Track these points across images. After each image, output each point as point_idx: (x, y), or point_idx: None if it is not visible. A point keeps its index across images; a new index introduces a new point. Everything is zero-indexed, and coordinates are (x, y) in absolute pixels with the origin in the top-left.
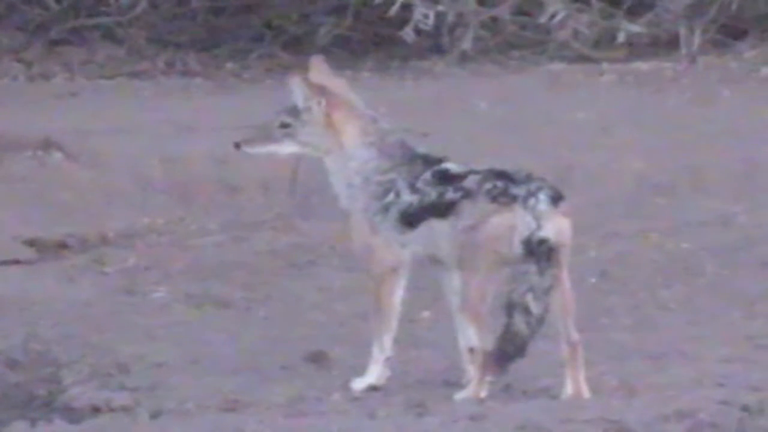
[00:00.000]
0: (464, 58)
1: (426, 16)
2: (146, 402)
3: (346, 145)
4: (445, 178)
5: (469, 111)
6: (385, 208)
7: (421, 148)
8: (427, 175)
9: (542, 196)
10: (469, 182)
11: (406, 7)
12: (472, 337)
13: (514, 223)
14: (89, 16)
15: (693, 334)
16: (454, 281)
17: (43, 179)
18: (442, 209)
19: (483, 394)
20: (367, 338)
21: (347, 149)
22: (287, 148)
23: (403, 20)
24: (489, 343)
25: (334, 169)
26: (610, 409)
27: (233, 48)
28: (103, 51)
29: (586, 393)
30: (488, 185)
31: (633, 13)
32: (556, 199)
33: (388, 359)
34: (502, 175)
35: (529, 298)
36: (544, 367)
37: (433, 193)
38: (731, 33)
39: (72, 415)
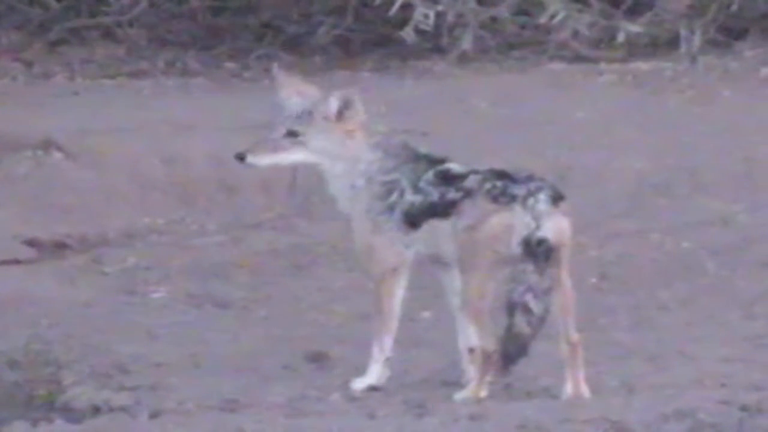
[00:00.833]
0: (464, 58)
1: (426, 16)
2: (146, 402)
3: (353, 150)
4: (447, 178)
5: (469, 111)
6: (390, 208)
7: (423, 149)
8: (430, 175)
9: (542, 196)
10: (470, 182)
11: (406, 7)
12: (473, 336)
13: (512, 223)
14: (89, 16)
15: (693, 334)
16: (455, 281)
17: (43, 179)
18: (443, 209)
19: (483, 393)
20: (367, 338)
21: (354, 153)
22: (295, 157)
23: (403, 20)
24: (490, 342)
25: (338, 173)
26: (610, 409)
27: (233, 48)
28: (103, 51)
29: (586, 393)
30: (488, 185)
31: (633, 13)
32: (556, 198)
33: (388, 359)
34: (502, 175)
35: (529, 298)
36: (544, 367)
37: (435, 193)
38: (731, 33)
39: (72, 415)
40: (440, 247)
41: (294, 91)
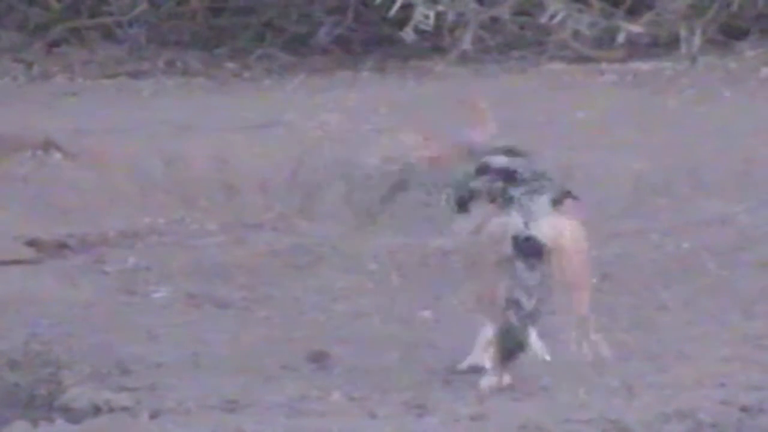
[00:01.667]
0: (464, 58)
1: (426, 16)
2: (146, 402)
3: None
4: (479, 172)
5: (469, 111)
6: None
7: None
8: (472, 167)
9: (539, 197)
10: (478, 182)
11: (406, 7)
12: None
13: (508, 223)
14: (89, 16)
15: (693, 334)
16: None
17: (43, 179)
18: (461, 206)
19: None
20: (368, 338)
21: None
22: None
23: (403, 20)
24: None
25: None
26: (610, 409)
27: (233, 48)
28: (103, 51)
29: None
30: (493, 186)
31: (633, 13)
32: (557, 200)
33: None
34: (508, 174)
35: (520, 294)
36: (544, 367)
37: (464, 187)
38: (731, 33)
39: (72, 415)
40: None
41: None
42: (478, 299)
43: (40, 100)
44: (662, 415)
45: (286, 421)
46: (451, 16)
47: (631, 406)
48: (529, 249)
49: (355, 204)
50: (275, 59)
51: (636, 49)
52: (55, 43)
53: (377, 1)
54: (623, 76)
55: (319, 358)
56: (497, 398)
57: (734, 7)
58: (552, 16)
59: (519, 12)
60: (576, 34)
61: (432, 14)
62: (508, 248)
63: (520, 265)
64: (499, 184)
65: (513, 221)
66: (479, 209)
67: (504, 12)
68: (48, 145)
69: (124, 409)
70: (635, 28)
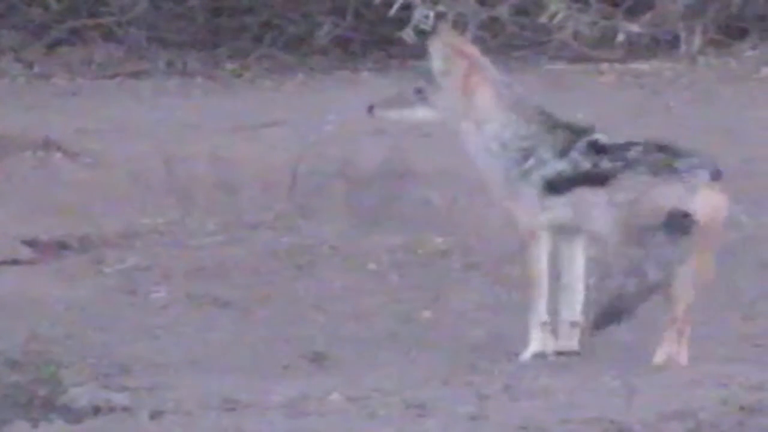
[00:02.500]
0: None
1: (426, 17)
2: (146, 402)
3: (480, 110)
4: (600, 149)
5: None
6: (526, 174)
7: (562, 116)
8: (582, 144)
9: (702, 171)
10: (631, 154)
11: (406, 8)
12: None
13: (671, 196)
14: (89, 16)
15: (693, 334)
16: (574, 251)
17: (43, 179)
18: (597, 179)
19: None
20: (368, 338)
21: (482, 114)
22: (420, 113)
23: (403, 20)
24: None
25: (470, 135)
26: (610, 409)
27: (233, 48)
28: (103, 51)
29: (683, 361)
30: (649, 157)
31: (633, 13)
32: (716, 175)
33: (544, 324)
34: (663, 148)
35: (649, 265)
36: (545, 367)
37: (586, 162)
38: (731, 33)
39: (72, 415)
40: (584, 216)
41: (448, 44)
42: None
43: (40, 100)
44: (662, 415)
45: (286, 421)
46: (451, 16)
47: (631, 406)
48: (682, 225)
49: (355, 204)
50: (275, 59)
51: (636, 49)
52: (55, 43)
53: (377, 1)
54: (623, 76)
55: (319, 358)
56: (497, 398)
57: (734, 8)
58: (552, 16)
59: (519, 12)
60: (576, 34)
61: (432, 14)
62: (659, 218)
63: (663, 238)
64: (660, 157)
65: (675, 193)
66: (634, 181)
67: (504, 12)
68: (48, 145)
69: (124, 409)
70: (635, 28)
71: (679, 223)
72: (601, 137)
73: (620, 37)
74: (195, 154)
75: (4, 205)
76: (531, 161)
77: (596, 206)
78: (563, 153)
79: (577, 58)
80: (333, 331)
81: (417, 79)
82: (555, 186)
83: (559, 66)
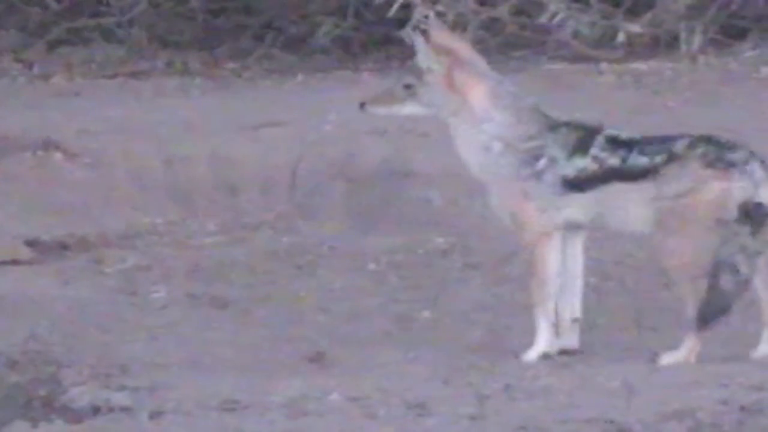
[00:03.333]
0: None
1: (426, 17)
2: (146, 402)
3: (475, 107)
4: (622, 144)
5: None
6: (539, 174)
7: (560, 114)
8: (600, 140)
9: (756, 163)
10: (677, 147)
11: (406, 7)
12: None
13: (731, 189)
14: (89, 16)
15: None
16: (577, 249)
17: (43, 179)
18: (632, 174)
19: (693, 359)
20: (368, 338)
21: (477, 111)
22: (409, 109)
23: (403, 20)
24: (691, 307)
25: (462, 132)
26: (610, 409)
27: (233, 48)
28: (103, 51)
29: None
30: (699, 150)
31: (633, 13)
32: (766, 166)
33: (553, 325)
34: (710, 140)
35: (739, 259)
36: (544, 366)
37: (612, 158)
38: (731, 33)
39: (72, 415)
40: (616, 212)
41: (427, 41)
42: (683, 263)
43: (40, 100)
44: (662, 415)
45: (286, 421)
46: (450, 16)
47: (631, 406)
48: (758, 215)
49: (355, 204)
50: (275, 59)
51: (636, 49)
52: (55, 43)
53: (377, 1)
54: (623, 76)
55: (319, 358)
56: (497, 398)
57: (734, 7)
58: (552, 16)
59: (519, 12)
60: (576, 34)
61: (432, 14)
62: (731, 213)
63: (744, 230)
64: (711, 149)
65: (740, 186)
66: (685, 172)
67: (504, 12)
68: (48, 145)
69: (124, 408)
70: (635, 27)
71: (755, 214)
72: (620, 132)
73: (620, 37)
74: (195, 154)
75: (4, 205)
76: (544, 161)
77: (633, 201)
78: (579, 150)
79: (577, 58)
80: (333, 331)
81: (406, 75)
82: (577, 184)
83: (559, 66)
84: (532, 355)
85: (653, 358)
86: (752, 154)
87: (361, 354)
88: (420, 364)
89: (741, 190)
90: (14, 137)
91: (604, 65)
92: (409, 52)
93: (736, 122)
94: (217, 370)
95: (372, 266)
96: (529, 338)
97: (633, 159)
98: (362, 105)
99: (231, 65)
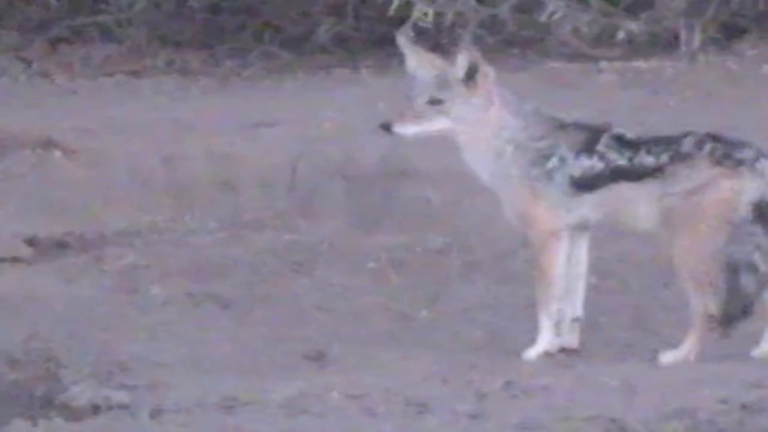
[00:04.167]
0: None
1: (425, 14)
2: (146, 401)
3: (495, 116)
4: (628, 143)
5: None
6: (549, 174)
7: (563, 114)
8: (606, 139)
9: (766, 161)
10: (684, 145)
11: (406, 5)
12: (700, 302)
13: (742, 187)
14: (89, 15)
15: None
16: (582, 249)
17: (43, 178)
18: (638, 173)
19: (692, 358)
20: (367, 337)
21: (497, 120)
22: (440, 125)
23: (403, 20)
24: (712, 306)
25: (478, 142)
26: (610, 408)
27: (233, 47)
28: (103, 49)
29: None
30: (707, 148)
31: (632, 12)
32: None
33: (556, 325)
34: (717, 138)
35: (757, 258)
36: (544, 366)
37: (619, 157)
38: (731, 31)
39: (72, 413)
40: (622, 210)
41: (425, 60)
42: (694, 262)
43: (40, 99)
44: (662, 415)
45: (286, 420)
46: (450, 15)
47: (631, 405)
48: None
49: (354, 203)
50: (275, 58)
51: (635, 47)
52: (55, 42)
53: (377, 0)
54: (623, 74)
55: (319, 358)
56: (497, 398)
57: (734, 6)
58: (551, 14)
59: (518, 10)
60: (576, 32)
61: (431, 12)
62: (740, 212)
63: (759, 229)
64: (719, 146)
65: (751, 186)
66: (691, 172)
67: (503, 10)
68: (48, 144)
69: (124, 407)
70: (634, 26)
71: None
72: (625, 132)
73: (620, 35)
74: (195, 153)
75: (4, 204)
76: (553, 161)
77: (639, 200)
78: (585, 150)
79: (577, 57)
80: (333, 331)
81: (427, 90)
82: (585, 184)
83: (559, 64)
84: (532, 353)
85: (654, 356)
86: (760, 151)
87: (361, 353)
88: (420, 363)
89: (753, 190)
90: (14, 135)
91: (603, 63)
92: None
93: (735, 121)
94: (216, 369)
95: (372, 265)
96: (529, 337)
97: (640, 158)
98: (386, 126)
99: (231, 64)
